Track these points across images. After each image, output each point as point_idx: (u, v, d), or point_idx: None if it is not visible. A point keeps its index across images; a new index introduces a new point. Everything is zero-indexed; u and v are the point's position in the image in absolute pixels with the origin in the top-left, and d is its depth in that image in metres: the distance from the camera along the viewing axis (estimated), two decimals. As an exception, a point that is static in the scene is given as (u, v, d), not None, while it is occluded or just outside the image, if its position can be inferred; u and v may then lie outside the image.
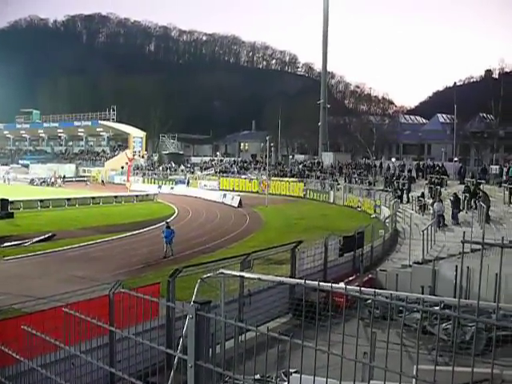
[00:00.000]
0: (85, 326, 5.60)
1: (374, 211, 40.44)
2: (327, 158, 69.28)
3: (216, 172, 72.67)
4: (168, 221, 17.03)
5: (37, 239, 26.37)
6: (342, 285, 12.83)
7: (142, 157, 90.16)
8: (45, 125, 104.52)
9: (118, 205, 46.82)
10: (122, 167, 78.86)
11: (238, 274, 11.61)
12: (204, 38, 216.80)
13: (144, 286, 11.01)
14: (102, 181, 74.65)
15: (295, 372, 6.65)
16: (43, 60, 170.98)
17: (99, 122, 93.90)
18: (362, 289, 5.43)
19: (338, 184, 53.83)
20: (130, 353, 8.21)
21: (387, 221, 29.95)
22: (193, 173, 74.99)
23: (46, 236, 27.03)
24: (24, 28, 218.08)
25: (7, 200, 36.69)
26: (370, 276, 17.35)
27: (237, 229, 33.67)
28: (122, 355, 9.01)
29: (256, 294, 13.79)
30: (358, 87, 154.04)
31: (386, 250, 24.46)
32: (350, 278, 16.90)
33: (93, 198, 47.42)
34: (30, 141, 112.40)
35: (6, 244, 25.15)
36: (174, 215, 40.13)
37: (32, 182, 71.94)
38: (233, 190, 59.13)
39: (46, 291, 14.04)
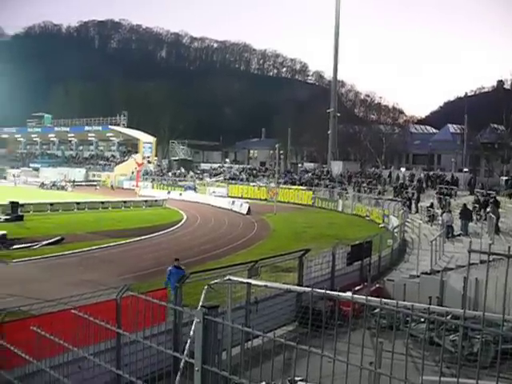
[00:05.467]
0: (92, 328, 5.63)
1: (383, 221, 40.30)
2: (336, 167, 69.15)
3: (225, 179, 72.75)
4: (178, 257, 15.78)
5: (46, 242, 26.50)
6: (349, 294, 12.80)
7: (152, 162, 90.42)
8: (56, 129, 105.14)
9: (126, 210, 46.96)
10: (132, 172, 79.11)
11: (245, 280, 11.61)
12: (215, 45, 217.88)
13: (152, 291, 11.03)
14: (112, 185, 74.86)
15: (301, 380, 6.65)
16: (56, 65, 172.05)
17: (110, 127, 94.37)
18: (369, 298, 5.43)
19: (347, 193, 53.76)
20: (137, 357, 8.22)
21: (396, 230, 29.86)
22: (202, 179, 75.10)
23: (55, 239, 27.15)
24: (38, 34, 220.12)
25: (17, 203, 36.90)
26: (377, 286, 17.29)
27: (244, 236, 33.68)
28: (128, 359, 9.02)
29: (263, 302, 13.77)
30: (368, 96, 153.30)
31: (394, 259, 24.38)
32: (358, 288, 16.83)
33: (102, 202, 47.62)
34: (41, 145, 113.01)
35: (15, 246, 25.31)
36: (183, 221, 40.21)
37: (42, 185, 72.29)
38: (241, 197, 59.13)
39: (54, 294, 14.08)
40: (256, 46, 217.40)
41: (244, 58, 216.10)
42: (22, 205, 37.82)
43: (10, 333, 7.26)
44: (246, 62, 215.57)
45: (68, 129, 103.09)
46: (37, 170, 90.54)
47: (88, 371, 6.78)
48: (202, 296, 10.61)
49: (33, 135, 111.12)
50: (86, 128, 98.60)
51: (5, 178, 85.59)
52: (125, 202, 49.64)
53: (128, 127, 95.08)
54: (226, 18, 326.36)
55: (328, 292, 5.22)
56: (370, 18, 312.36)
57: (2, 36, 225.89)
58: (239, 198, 58.72)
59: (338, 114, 76.33)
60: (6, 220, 34.34)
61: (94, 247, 26.68)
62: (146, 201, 52.32)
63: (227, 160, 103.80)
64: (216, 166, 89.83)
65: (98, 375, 7.22)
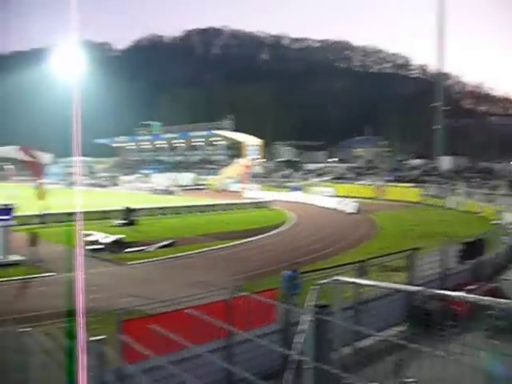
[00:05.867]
0: (205, 327, 5.85)
1: (496, 217, 38.50)
2: (445, 163, 66.87)
3: (331, 178, 72.36)
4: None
5: (159, 245, 27.60)
6: (461, 293, 12.37)
7: (258, 165, 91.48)
8: (164, 136, 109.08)
9: (234, 212, 47.88)
10: (238, 175, 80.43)
11: (353, 280, 11.53)
12: (316, 45, 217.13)
13: (261, 291, 11.20)
14: (219, 188, 76.47)
15: (413, 382, 6.55)
16: (162, 75, 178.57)
17: (215, 131, 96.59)
18: (484, 297, 5.26)
19: (457, 189, 51.82)
20: (248, 355, 8.42)
21: (511, 227, 28.40)
22: (308, 179, 75.13)
23: (168, 242, 28.19)
24: (145, 46, 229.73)
25: (131, 208, 38.65)
26: (492, 285, 16.57)
27: (352, 235, 33.38)
28: (240, 357, 9.24)
29: (372, 302, 13.60)
30: (476, 87, 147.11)
31: (509, 257, 23.23)
32: (471, 287, 16.21)
33: (210, 205, 48.83)
34: (151, 151, 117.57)
35: (130, 249, 26.53)
36: (289, 222, 40.46)
37: (153, 190, 75.16)
38: (348, 197, 58.56)
39: (169, 294, 14.66)
40: (356, 43, 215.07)
41: (345, 56, 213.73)
42: (135, 209, 39.54)
43: (131, 330, 7.66)
44: (347, 60, 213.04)
45: (175, 135, 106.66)
46: (147, 176, 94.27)
47: (202, 368, 7.05)
48: (309, 296, 10.66)
49: (143, 143, 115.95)
50: (193, 133, 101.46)
51: (119, 184, 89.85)
52: (232, 204, 50.66)
53: (233, 131, 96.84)
54: (325, 17, 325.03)
55: (439, 291, 5.08)
56: (473, 4, 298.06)
57: (112, 51, 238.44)
58: (346, 197, 58.18)
59: (445, 108, 73.77)
60: (122, 225, 36.08)
61: (205, 249, 27.41)
62: (252, 203, 53.10)
63: (332, 159, 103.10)
64: (321, 165, 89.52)
65: (212, 372, 7.48)
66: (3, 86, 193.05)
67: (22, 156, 23.98)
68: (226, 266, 23.51)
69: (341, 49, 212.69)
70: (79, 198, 57.34)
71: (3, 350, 10.57)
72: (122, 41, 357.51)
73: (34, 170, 24.31)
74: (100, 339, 6.33)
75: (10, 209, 24.22)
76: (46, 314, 11.34)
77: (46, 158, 23.94)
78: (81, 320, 7.22)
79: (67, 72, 38.33)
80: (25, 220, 33.71)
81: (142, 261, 24.17)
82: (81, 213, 38.93)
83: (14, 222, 24.69)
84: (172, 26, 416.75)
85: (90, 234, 27.60)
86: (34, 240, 23.71)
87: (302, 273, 12.47)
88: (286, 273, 13.63)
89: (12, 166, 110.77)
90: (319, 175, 78.11)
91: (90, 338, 6.43)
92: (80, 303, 7.60)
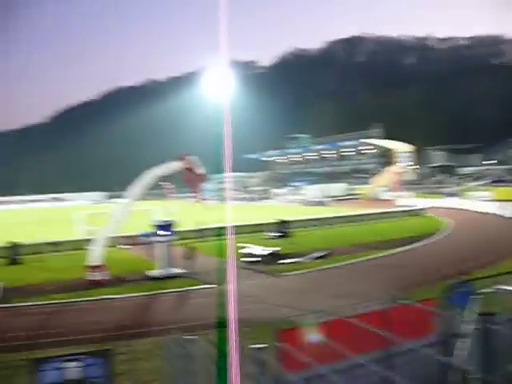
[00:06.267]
0: (363, 337, 5.81)
1: None
2: None
3: (489, 182, 68.58)
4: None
5: (313, 256, 27.83)
6: None
7: (409, 171, 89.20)
8: (313, 147, 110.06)
9: (387, 221, 47.01)
10: (390, 183, 78.99)
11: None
12: (463, 43, 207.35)
13: (420, 301, 10.88)
14: (370, 198, 75.57)
15: None
16: (308, 87, 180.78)
17: (363, 140, 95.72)
18: None
19: None
20: (409, 366, 8.22)
21: None
22: (463, 184, 71.85)
23: (322, 253, 28.33)
24: (290, 61, 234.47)
25: (285, 220, 39.37)
26: None
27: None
28: (400, 369, 9.04)
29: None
30: None
31: None
32: None
33: (362, 215, 48.37)
34: (301, 164, 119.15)
35: (285, 261, 27.03)
36: (445, 229, 38.96)
37: (305, 202, 76.01)
38: (509, 200, 55.01)
39: (323, 304, 14.76)
40: (509, 35, 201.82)
41: (498, 51, 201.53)
42: (289, 222, 40.21)
43: (288, 339, 7.81)
44: (500, 56, 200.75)
45: (324, 146, 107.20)
46: (299, 188, 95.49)
47: (362, 378, 7.00)
48: (472, 305, 10.17)
49: (293, 156, 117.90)
50: (341, 143, 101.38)
51: (271, 198, 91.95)
52: (384, 213, 49.80)
53: (382, 138, 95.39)
54: (472, 13, 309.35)
55: None
56: None
57: (258, 68, 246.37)
58: (507, 201, 54.73)
59: None
60: (276, 237, 36.90)
61: (358, 259, 27.18)
62: (406, 211, 51.83)
63: (488, 162, 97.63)
64: (477, 169, 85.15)
65: (372, 382, 7.40)
66: (158, 110, 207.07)
67: (180, 165, 25.31)
68: (380, 276, 23.13)
69: (492, 44, 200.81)
70: (233, 213, 59.66)
71: (170, 356, 11.28)
72: (267, 57, 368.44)
73: (193, 182, 25.54)
74: (261, 347, 6.53)
75: (170, 225, 25.79)
76: (205, 323, 11.91)
77: (202, 169, 24.96)
78: (236, 329, 7.53)
79: (217, 91, 40.29)
80: (183, 235, 35.83)
81: (296, 272, 24.53)
82: (235, 226, 40.60)
83: (173, 237, 26.26)
84: (315, 39, 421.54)
85: (246, 247, 28.52)
86: (191, 253, 25.05)
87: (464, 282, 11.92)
88: (453, 283, 13.13)
89: (169, 184, 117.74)
90: (475, 179, 74.31)
91: (251, 345, 6.66)
92: (236, 313, 7.91)
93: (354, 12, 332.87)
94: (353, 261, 26.83)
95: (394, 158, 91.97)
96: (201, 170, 25.05)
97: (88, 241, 33.21)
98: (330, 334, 7.41)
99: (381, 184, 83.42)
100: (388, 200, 71.30)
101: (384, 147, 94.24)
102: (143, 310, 18.99)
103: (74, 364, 10.53)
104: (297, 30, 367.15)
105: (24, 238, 36.26)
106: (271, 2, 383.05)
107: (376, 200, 74.20)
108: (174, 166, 25.27)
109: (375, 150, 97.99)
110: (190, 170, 24.97)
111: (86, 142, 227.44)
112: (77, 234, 39.65)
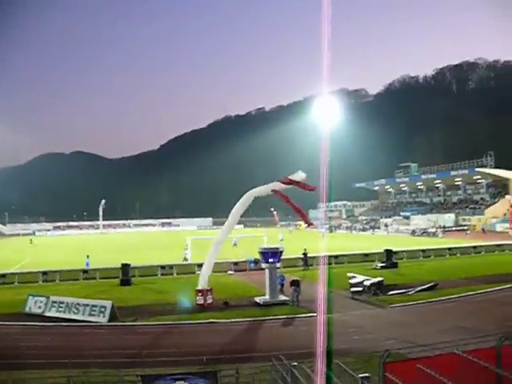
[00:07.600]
0: (471, 374, 5.71)
1: None
2: None
3: None
4: None
5: (420, 288, 27.06)
6: None
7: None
8: (422, 177, 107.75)
9: (502, 254, 44.80)
10: (504, 214, 75.53)
11: None
12: None
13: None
14: (483, 229, 72.65)
15: None
16: (416, 115, 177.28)
17: (476, 169, 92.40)
18: None
19: None
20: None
21: None
22: None
23: (429, 285, 27.51)
24: (397, 88, 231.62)
25: (391, 250, 38.63)
26: None
27: None
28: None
29: None
30: None
31: None
32: None
33: (474, 247, 46.43)
34: (410, 193, 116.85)
35: (391, 292, 26.49)
36: None
37: (413, 232, 74.32)
38: None
39: (428, 339, 14.39)
40: None
41: None
42: (396, 252, 39.44)
43: (394, 371, 7.75)
44: None
45: (434, 175, 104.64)
46: (407, 218, 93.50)
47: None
48: None
49: (401, 185, 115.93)
50: (452, 173, 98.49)
51: (378, 227, 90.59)
52: (499, 245, 47.47)
53: (496, 167, 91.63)
54: None
55: None
56: None
57: (367, 96, 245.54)
58: None
59: None
60: (382, 267, 36.27)
61: (468, 293, 26.08)
62: (522, 244, 49.15)
63: None
64: None
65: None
66: (265, 137, 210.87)
67: (279, 186, 25.44)
68: (491, 311, 22.15)
69: None
70: (339, 241, 59.32)
71: (274, 382, 11.45)
72: (375, 86, 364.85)
73: (301, 210, 25.64)
74: (364, 376, 6.58)
75: (278, 252, 26.07)
76: (308, 351, 11.96)
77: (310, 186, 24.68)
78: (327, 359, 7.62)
79: (325, 120, 40.58)
80: (290, 262, 36.09)
81: (402, 304, 23.99)
82: (342, 256, 40.35)
83: (280, 265, 26.59)
84: (423, 66, 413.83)
85: (352, 277, 28.24)
86: (297, 281, 25.17)
87: None
88: None
89: (276, 212, 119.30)
90: None
91: (357, 375, 6.71)
92: (338, 343, 8.02)
93: (463, 38, 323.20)
94: (462, 294, 25.81)
95: (509, 188, 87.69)
96: (310, 186, 24.55)
97: (197, 265, 34.38)
98: (436, 368, 7.28)
99: (495, 215, 79.96)
100: (503, 232, 68.09)
101: (498, 176, 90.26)
102: (249, 335, 19.33)
103: (181, 383, 10.99)
104: (405, 58, 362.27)
105: (137, 260, 38.07)
106: (377, 33, 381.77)
107: (489, 231, 71.15)
108: (271, 186, 25.44)
109: (488, 180, 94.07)
110: (299, 184, 24.73)
111: (196, 168, 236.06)
112: (185, 259, 41.12)
